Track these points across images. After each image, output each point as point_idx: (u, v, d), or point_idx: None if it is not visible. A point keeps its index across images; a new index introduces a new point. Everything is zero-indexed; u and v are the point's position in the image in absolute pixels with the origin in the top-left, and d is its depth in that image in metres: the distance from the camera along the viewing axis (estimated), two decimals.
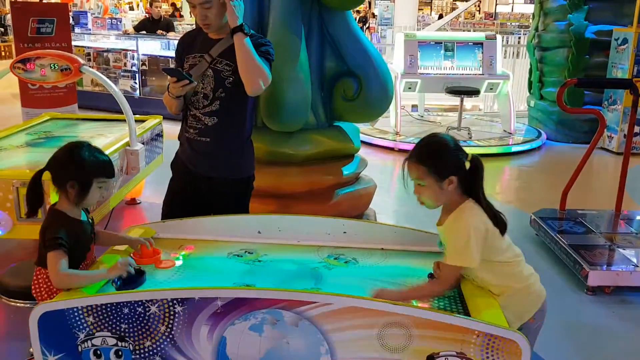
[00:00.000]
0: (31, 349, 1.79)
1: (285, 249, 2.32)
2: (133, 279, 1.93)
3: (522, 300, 1.93)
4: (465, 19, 20.79)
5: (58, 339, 1.77)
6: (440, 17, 19.93)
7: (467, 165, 1.90)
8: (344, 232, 2.38)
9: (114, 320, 1.75)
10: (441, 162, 1.89)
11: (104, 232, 2.24)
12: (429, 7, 29.89)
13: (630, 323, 3.16)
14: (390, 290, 1.91)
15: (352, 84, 3.47)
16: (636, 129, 6.41)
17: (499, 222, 1.90)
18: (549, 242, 4.00)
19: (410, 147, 6.70)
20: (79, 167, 1.95)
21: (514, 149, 6.90)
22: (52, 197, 2.88)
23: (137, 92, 8.46)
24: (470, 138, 6.95)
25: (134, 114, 3.78)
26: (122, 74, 8.54)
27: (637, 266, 3.44)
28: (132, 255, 2.16)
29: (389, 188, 5.60)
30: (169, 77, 2.40)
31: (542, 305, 1.97)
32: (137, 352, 1.77)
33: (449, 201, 1.93)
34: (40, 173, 2.00)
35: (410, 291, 1.94)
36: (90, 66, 4.03)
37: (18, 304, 2.89)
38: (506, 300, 1.89)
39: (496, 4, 26.67)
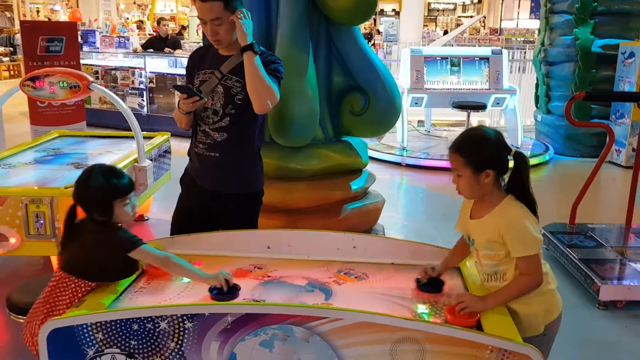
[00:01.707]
0: None
1: (295, 264, 2.31)
2: (228, 292, 1.99)
3: (552, 300, 1.94)
4: (470, 34, 20.82)
5: (67, 355, 1.75)
6: (445, 33, 19.98)
7: (511, 161, 1.90)
8: (354, 247, 2.36)
9: (123, 337, 1.74)
10: (479, 154, 1.88)
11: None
12: (434, 23, 30.01)
13: None
14: (474, 297, 1.87)
15: (359, 98, 3.48)
16: None
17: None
18: (559, 257, 3.97)
19: (417, 162, 6.79)
20: (96, 198, 1.99)
21: None
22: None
23: (145, 109, 8.51)
24: None
25: (141, 131, 3.80)
26: (129, 91, 8.60)
27: None
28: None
29: (397, 203, 5.58)
30: (179, 93, 2.41)
31: (561, 311, 1.97)
32: None
33: (487, 195, 1.92)
34: (74, 207, 2.02)
35: (502, 293, 1.88)
36: (98, 84, 4.07)
37: None
38: (538, 298, 1.88)
39: (501, 20, 26.73)
